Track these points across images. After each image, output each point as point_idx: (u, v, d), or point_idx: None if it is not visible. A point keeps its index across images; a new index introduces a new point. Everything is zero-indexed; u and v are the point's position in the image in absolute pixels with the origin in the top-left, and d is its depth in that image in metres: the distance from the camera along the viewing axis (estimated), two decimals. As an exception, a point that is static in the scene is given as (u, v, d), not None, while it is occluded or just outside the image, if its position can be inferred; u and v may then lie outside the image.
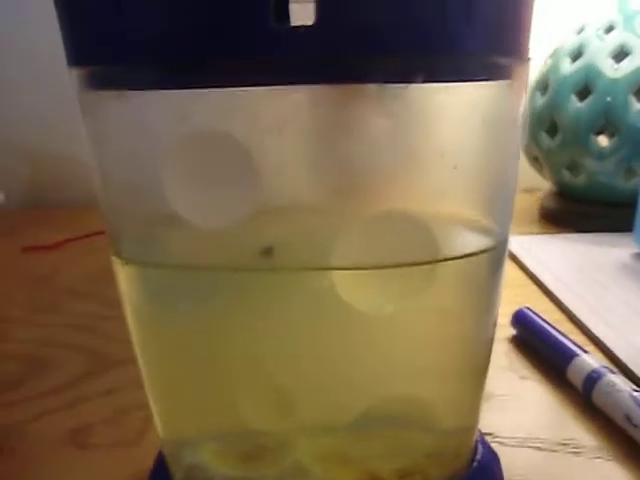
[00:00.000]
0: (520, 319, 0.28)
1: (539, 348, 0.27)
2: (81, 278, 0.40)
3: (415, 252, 0.12)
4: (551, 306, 0.32)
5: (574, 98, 0.42)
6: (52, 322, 0.33)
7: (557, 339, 0.26)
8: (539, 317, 0.28)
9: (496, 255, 0.13)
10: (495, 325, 0.15)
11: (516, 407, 0.23)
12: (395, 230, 0.12)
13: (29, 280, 0.40)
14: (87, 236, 0.47)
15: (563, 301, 0.32)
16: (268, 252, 0.13)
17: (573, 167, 0.44)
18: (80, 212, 0.51)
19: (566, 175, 0.45)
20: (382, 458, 0.15)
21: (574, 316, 0.30)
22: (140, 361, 0.16)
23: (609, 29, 0.41)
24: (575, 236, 0.43)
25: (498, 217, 0.13)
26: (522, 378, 0.25)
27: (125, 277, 0.14)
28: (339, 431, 0.15)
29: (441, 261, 0.13)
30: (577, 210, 0.46)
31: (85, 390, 0.25)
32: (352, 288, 0.12)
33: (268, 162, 0.12)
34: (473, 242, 0.13)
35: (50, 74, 0.54)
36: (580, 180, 0.44)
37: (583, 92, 0.41)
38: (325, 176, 0.12)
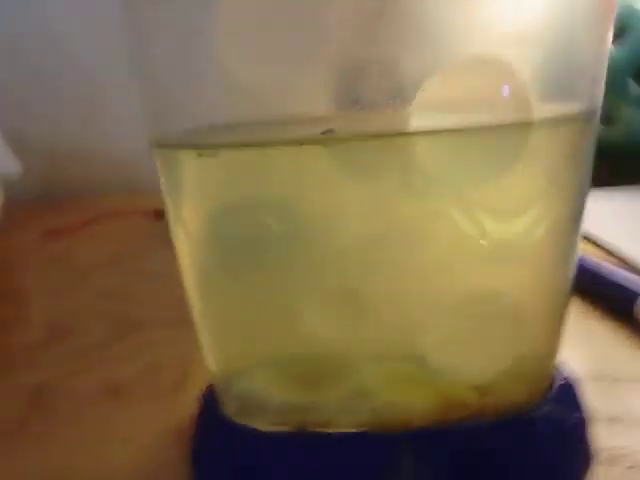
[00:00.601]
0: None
1: (599, 288, 0.25)
2: (101, 254, 0.38)
3: (506, 109, 0.11)
4: (603, 255, 0.30)
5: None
6: (76, 293, 0.31)
7: (621, 275, 0.24)
8: (594, 258, 0.26)
9: (591, 124, 0.12)
10: (583, 208, 0.13)
11: (584, 344, 0.22)
12: (482, 80, 0.10)
13: (51, 260, 0.39)
14: (105, 216, 0.46)
15: (618, 249, 0.30)
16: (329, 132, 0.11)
17: (607, 118, 0.42)
18: (95, 199, 0.50)
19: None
20: (461, 373, 0.14)
21: (632, 263, 0.28)
22: (190, 286, 0.14)
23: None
24: (611, 191, 0.41)
25: (590, 80, 0.11)
26: (585, 319, 0.24)
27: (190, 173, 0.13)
28: (414, 343, 0.13)
29: (535, 124, 0.11)
30: (614, 166, 0.44)
31: (115, 351, 0.24)
32: (433, 156, 0.11)
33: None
34: (569, 104, 0.11)
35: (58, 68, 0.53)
36: (615, 132, 0.42)
37: (618, 34, 0.39)
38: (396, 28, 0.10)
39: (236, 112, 0.12)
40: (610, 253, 0.30)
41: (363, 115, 0.11)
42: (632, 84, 0.39)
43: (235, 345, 0.14)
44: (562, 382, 0.16)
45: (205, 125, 0.12)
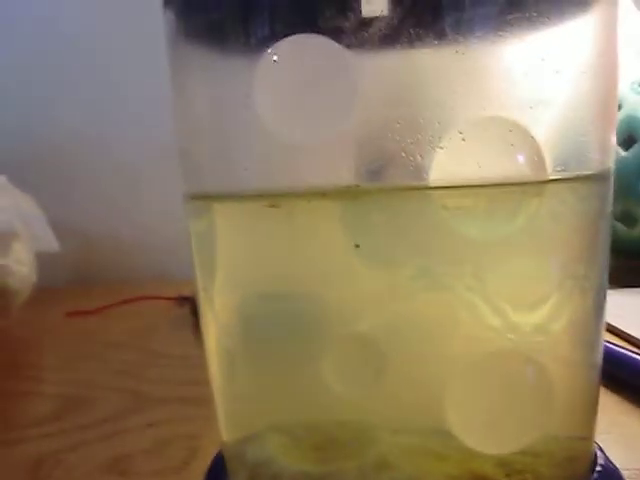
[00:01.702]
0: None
1: (633, 380, 0.23)
2: (123, 334, 0.39)
3: (519, 168, 0.11)
4: (632, 348, 0.29)
5: (619, 149, 0.42)
6: (92, 368, 0.31)
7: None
8: (624, 349, 0.25)
9: (606, 183, 0.12)
10: (606, 279, 0.13)
11: (622, 440, 0.20)
12: (498, 140, 0.11)
13: (72, 338, 0.39)
14: (126, 302, 0.47)
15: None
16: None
17: (626, 218, 0.42)
18: (120, 285, 0.52)
19: (619, 227, 0.43)
20: (486, 445, 0.13)
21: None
22: (209, 350, 0.14)
23: (644, 83, 0.42)
24: (637, 291, 0.40)
25: (604, 138, 0.12)
26: (620, 413, 0.22)
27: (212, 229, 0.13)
28: (436, 413, 0.13)
29: (548, 182, 0.11)
30: (634, 265, 0.43)
31: (124, 424, 0.23)
32: (453, 209, 0.11)
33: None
34: (582, 164, 0.12)
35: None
36: (636, 232, 0.42)
37: (627, 142, 0.41)
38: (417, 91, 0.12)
39: (260, 179, 0.13)
40: (638, 346, 0.29)
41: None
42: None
43: (248, 411, 0.14)
44: (600, 470, 0.15)
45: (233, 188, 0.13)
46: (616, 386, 0.24)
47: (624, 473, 0.17)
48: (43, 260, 0.44)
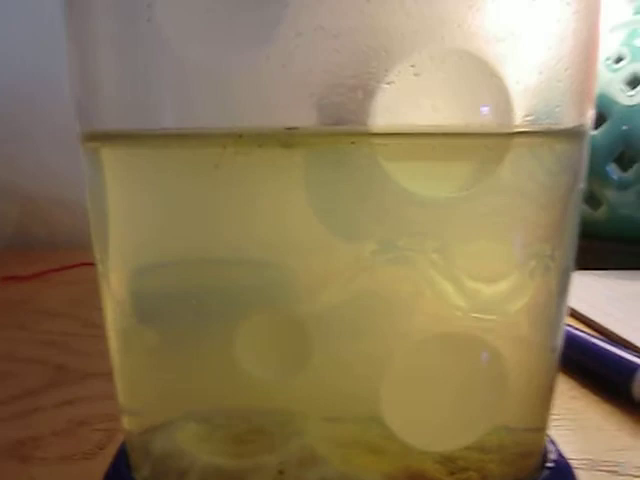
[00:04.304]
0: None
1: (589, 364, 0.23)
2: (57, 302, 0.36)
3: (482, 114, 0.09)
4: (593, 332, 0.28)
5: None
6: (17, 338, 0.28)
7: (614, 352, 0.22)
8: (583, 333, 0.24)
9: (581, 144, 0.10)
10: (573, 260, 0.11)
11: (573, 427, 0.19)
12: (458, 78, 0.09)
13: (2, 305, 0.36)
14: (65, 268, 0.44)
15: (607, 327, 0.28)
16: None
17: (592, 200, 0.42)
18: (62, 250, 0.48)
19: (583, 209, 0.42)
20: (426, 440, 0.11)
21: (619, 337, 0.26)
22: (111, 331, 0.12)
23: (618, 60, 0.41)
24: (599, 273, 0.39)
25: (583, 88, 0.10)
26: (573, 398, 0.21)
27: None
28: (371, 399, 0.11)
29: (515, 134, 0.09)
30: (596, 247, 0.43)
31: (39, 401, 0.21)
32: (399, 160, 0.09)
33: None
34: (555, 116, 0.10)
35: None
36: (599, 214, 0.42)
37: (596, 120, 0.40)
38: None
39: (182, 121, 0.10)
40: (600, 331, 0.28)
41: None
42: (613, 168, 0.40)
43: (154, 394, 0.12)
44: (552, 466, 0.13)
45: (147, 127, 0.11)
46: (568, 369, 0.23)
47: (574, 463, 0.16)
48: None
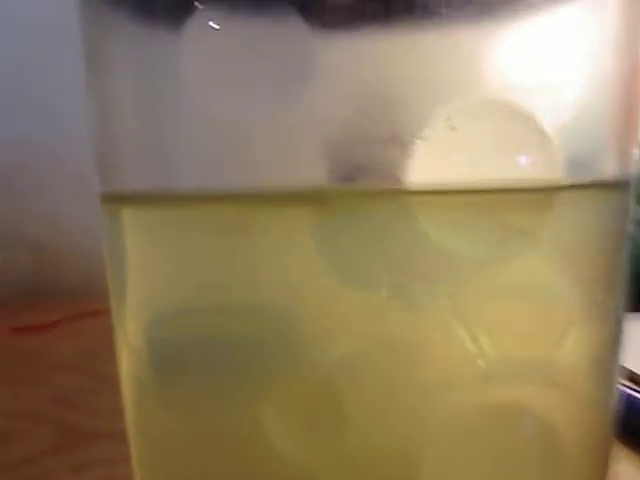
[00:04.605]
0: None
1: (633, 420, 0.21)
2: (71, 354, 0.35)
3: (524, 168, 0.09)
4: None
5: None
6: (29, 395, 0.28)
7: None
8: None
9: (626, 195, 0.10)
10: (623, 307, 0.11)
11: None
12: (497, 131, 0.09)
13: (16, 359, 0.36)
14: (78, 316, 0.44)
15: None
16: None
17: None
18: (74, 297, 0.48)
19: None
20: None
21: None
22: (126, 381, 0.11)
23: None
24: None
25: (627, 137, 0.10)
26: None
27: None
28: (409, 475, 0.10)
29: (560, 188, 0.09)
30: None
31: (46, 466, 0.20)
32: (437, 220, 0.09)
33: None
34: (597, 168, 0.09)
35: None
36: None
37: None
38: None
39: (205, 180, 0.10)
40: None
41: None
42: None
43: (171, 464, 0.11)
44: None
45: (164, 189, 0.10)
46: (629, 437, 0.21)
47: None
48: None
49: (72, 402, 0.26)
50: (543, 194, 0.09)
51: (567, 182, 0.09)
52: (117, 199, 0.10)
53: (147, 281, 0.10)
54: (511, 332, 0.10)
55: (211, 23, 0.09)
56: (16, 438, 0.22)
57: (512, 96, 0.09)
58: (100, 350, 0.37)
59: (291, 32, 0.08)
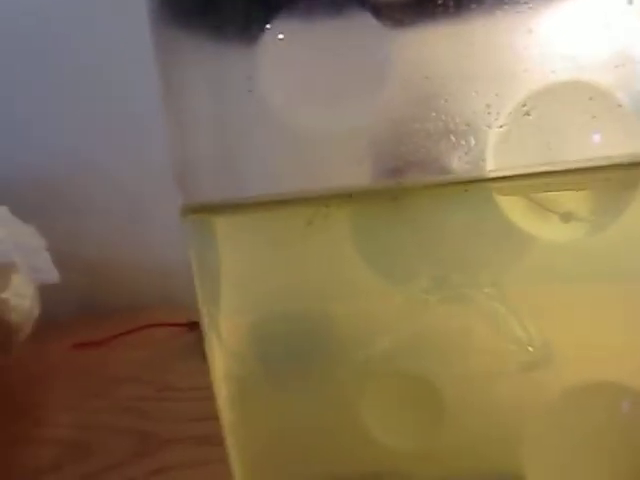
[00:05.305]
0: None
1: None
2: (130, 366, 0.36)
3: (604, 147, 0.09)
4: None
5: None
6: (97, 407, 0.29)
7: None
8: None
9: None
10: None
11: None
12: (574, 112, 0.09)
13: (77, 374, 0.37)
14: (134, 330, 0.45)
15: None
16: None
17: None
18: (128, 312, 0.50)
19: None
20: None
21: None
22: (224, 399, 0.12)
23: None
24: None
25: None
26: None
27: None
28: (509, 457, 0.10)
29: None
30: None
31: (129, 472, 0.20)
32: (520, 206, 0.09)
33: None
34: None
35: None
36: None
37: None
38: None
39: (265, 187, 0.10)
40: None
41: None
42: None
43: (271, 456, 0.11)
44: None
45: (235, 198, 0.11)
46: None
47: None
48: (47, 292, 0.42)
49: (141, 411, 0.27)
50: (627, 172, 0.09)
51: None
52: (202, 209, 0.10)
53: (242, 285, 0.10)
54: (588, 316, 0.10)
55: (280, 36, 0.09)
56: (96, 449, 0.23)
57: (585, 75, 0.09)
58: (154, 362, 0.38)
59: (366, 35, 0.08)
